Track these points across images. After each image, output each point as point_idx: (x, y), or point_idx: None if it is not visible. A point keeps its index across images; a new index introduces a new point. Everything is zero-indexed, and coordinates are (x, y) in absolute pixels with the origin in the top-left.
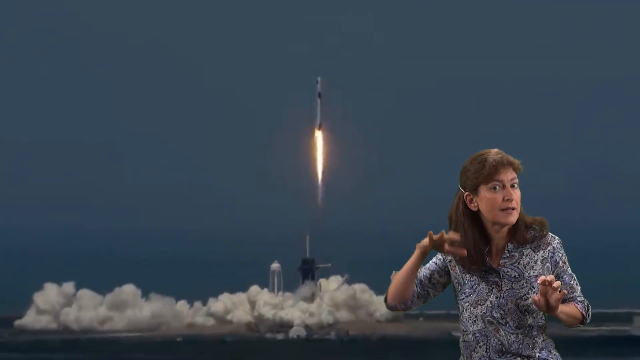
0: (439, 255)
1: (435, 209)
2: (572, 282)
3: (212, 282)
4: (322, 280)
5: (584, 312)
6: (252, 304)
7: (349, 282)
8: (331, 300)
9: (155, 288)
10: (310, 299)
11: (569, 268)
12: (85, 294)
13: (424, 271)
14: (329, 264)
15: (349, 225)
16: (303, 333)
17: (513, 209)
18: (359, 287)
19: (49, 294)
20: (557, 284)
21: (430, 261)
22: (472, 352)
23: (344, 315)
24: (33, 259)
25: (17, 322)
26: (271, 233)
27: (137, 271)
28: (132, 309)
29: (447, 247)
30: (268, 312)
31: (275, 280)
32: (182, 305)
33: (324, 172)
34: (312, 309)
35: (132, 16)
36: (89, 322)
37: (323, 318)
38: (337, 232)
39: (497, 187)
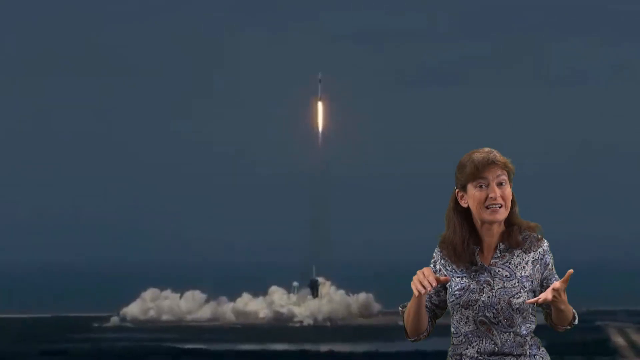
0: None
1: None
2: None
3: (248, 290)
4: (320, 288)
5: (574, 312)
6: (272, 302)
7: (336, 289)
8: (324, 300)
9: (213, 293)
10: (312, 299)
11: (555, 273)
12: (173, 295)
13: (425, 298)
14: (328, 282)
15: (342, 253)
16: (311, 322)
17: (499, 206)
18: (340, 292)
19: (152, 294)
20: (563, 280)
21: None
22: (462, 354)
23: (333, 310)
24: (141, 273)
25: (127, 310)
26: (292, 262)
27: (201, 281)
28: (200, 305)
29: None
30: (283, 308)
31: (295, 291)
32: (231, 304)
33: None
34: (312, 306)
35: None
36: (176, 314)
37: (319, 312)
38: (333, 259)
39: (482, 185)
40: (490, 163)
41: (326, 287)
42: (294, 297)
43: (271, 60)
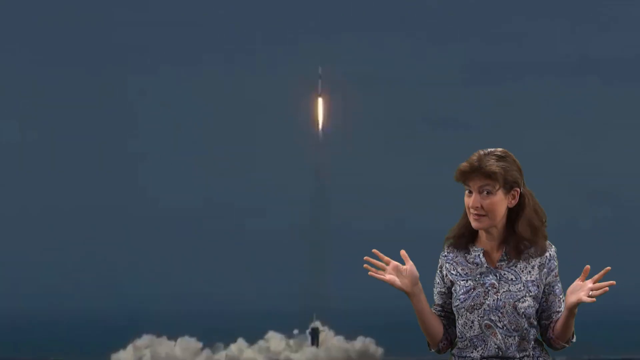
0: (437, 279)
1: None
2: (561, 297)
3: (244, 336)
4: (320, 336)
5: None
6: (269, 349)
7: (334, 334)
8: (322, 347)
9: (210, 340)
10: (310, 346)
11: (559, 280)
12: (168, 342)
13: (437, 309)
14: (326, 327)
15: (342, 296)
16: None
17: (478, 215)
18: (339, 338)
19: (146, 339)
20: (604, 270)
21: (435, 295)
22: (466, 357)
23: (333, 357)
24: (139, 318)
25: (120, 356)
26: (290, 309)
27: (197, 329)
28: (195, 353)
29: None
30: (280, 355)
31: (296, 338)
32: (225, 352)
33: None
34: (309, 353)
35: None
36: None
37: (317, 358)
38: (333, 308)
39: (469, 190)
40: (472, 171)
41: (324, 334)
42: (291, 343)
43: (270, 63)
